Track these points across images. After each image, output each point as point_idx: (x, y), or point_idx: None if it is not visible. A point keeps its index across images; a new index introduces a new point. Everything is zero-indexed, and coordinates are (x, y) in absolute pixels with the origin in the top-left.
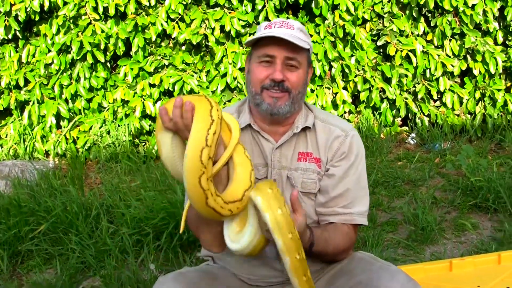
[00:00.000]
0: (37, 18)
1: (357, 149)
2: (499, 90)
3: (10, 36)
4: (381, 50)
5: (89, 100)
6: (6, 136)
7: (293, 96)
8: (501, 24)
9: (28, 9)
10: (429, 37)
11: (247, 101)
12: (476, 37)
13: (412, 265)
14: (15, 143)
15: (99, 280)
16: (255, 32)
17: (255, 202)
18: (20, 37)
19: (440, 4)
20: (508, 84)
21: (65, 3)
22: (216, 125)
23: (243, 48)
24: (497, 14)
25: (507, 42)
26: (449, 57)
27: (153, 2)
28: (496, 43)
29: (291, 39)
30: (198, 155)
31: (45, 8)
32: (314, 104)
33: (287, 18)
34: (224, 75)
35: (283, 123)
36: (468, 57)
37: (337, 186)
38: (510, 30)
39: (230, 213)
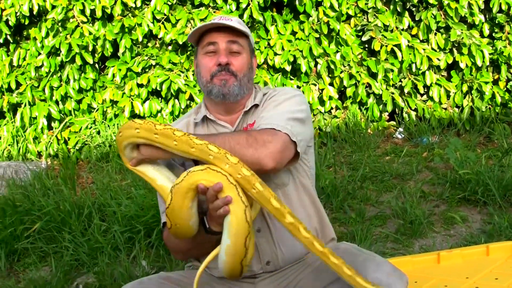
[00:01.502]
0: (26, 22)
1: (282, 90)
2: (486, 82)
3: (1, 41)
4: (366, 46)
5: (79, 101)
6: None
7: (240, 79)
8: (486, 16)
9: (18, 14)
10: (414, 31)
11: (202, 101)
12: (461, 30)
13: (400, 257)
14: (9, 145)
15: (93, 277)
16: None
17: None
18: (11, 41)
19: None
20: (496, 77)
21: (53, 7)
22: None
23: None
24: (482, 7)
25: (493, 34)
26: (435, 50)
27: (139, 4)
28: (482, 35)
29: (230, 23)
30: (244, 218)
31: (34, 12)
32: None
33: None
34: None
35: (236, 109)
36: (454, 50)
37: (261, 119)
38: (496, 22)
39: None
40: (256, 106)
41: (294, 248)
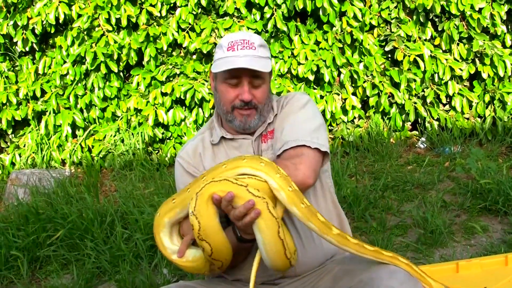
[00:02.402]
0: (52, 31)
1: (293, 97)
2: (508, 93)
3: (27, 49)
4: (389, 56)
5: (103, 110)
6: (24, 146)
7: (260, 110)
8: (509, 27)
9: (44, 22)
10: (436, 42)
11: (217, 116)
12: (484, 40)
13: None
14: (33, 152)
15: (114, 285)
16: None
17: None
18: (37, 49)
19: (447, 9)
20: None
21: (79, 16)
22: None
23: None
24: (504, 17)
25: None
26: (457, 61)
27: (164, 13)
28: (504, 46)
29: (255, 66)
30: (270, 215)
31: (60, 21)
32: (324, 111)
33: (249, 30)
34: None
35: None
36: (477, 60)
37: (283, 130)
38: None
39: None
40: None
41: (316, 255)
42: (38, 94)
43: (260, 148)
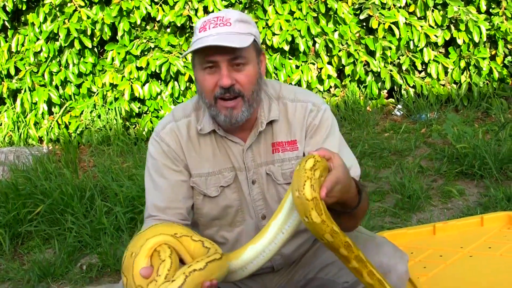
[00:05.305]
0: (24, 8)
1: (330, 122)
2: (484, 58)
3: None
4: (364, 24)
5: (78, 86)
6: (0, 124)
7: (247, 99)
8: None
9: None
10: (411, 9)
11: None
12: (459, 6)
13: (396, 230)
14: (10, 131)
15: (96, 257)
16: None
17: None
18: (9, 27)
19: None
20: (493, 52)
21: None
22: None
23: None
24: None
25: (490, 10)
26: (432, 27)
27: None
28: (479, 11)
29: (229, 42)
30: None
31: None
32: (300, 81)
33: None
34: None
35: (246, 124)
36: (452, 26)
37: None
38: None
39: None
40: (273, 121)
41: (298, 248)
42: (12, 72)
43: (255, 159)
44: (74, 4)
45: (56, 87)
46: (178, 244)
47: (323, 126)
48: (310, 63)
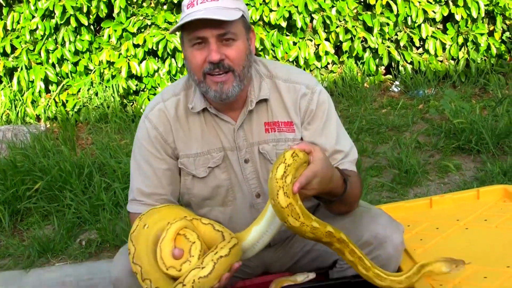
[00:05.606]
0: None
1: (327, 105)
2: (482, 34)
3: None
4: (362, 0)
5: (75, 64)
6: None
7: (238, 74)
8: None
9: None
10: None
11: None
12: None
13: (392, 203)
14: (7, 109)
15: (95, 233)
16: None
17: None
18: (4, 5)
19: None
20: (491, 28)
21: None
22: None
23: None
24: None
25: None
26: (430, 3)
27: None
28: None
29: (217, 16)
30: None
31: None
32: (297, 57)
33: None
34: None
35: (237, 103)
36: (450, 2)
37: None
38: None
39: None
40: (265, 100)
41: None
42: (8, 50)
43: (247, 138)
44: None
45: (53, 65)
46: (194, 227)
47: (320, 110)
48: (308, 39)
